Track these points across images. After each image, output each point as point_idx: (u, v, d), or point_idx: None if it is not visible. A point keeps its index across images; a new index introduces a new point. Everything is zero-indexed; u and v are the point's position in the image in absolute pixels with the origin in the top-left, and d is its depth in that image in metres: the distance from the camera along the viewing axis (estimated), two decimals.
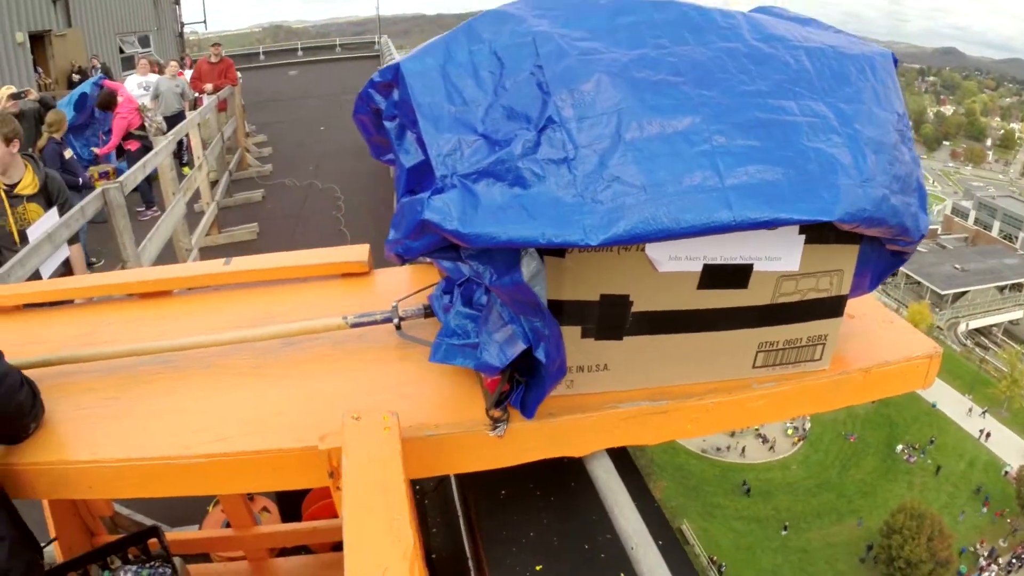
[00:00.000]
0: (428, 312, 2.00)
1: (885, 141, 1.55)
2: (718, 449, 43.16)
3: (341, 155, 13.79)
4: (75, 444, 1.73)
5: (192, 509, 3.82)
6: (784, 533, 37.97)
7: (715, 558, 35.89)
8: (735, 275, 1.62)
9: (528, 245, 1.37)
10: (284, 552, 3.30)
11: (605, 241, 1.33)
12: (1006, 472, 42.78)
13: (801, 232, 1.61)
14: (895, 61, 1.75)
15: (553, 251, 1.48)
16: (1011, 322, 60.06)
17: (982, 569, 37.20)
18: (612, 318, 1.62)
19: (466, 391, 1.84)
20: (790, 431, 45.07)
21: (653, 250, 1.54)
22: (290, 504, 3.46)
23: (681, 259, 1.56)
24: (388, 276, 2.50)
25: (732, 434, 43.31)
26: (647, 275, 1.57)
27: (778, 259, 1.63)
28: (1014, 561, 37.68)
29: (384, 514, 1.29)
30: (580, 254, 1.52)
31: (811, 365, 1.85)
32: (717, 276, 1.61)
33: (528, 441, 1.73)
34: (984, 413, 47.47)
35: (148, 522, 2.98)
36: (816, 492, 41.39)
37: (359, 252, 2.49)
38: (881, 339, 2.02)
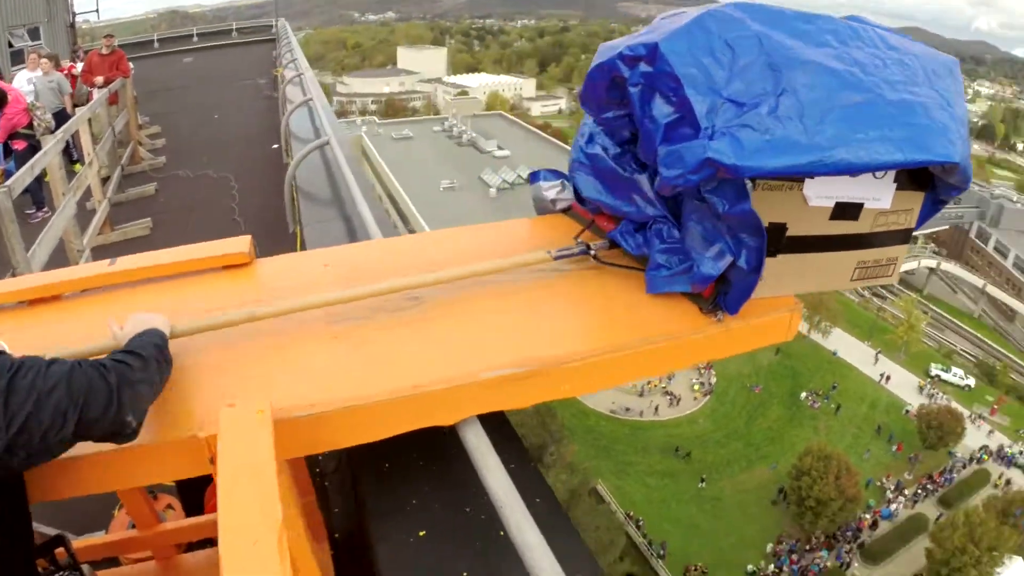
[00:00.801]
0: (613, 244, 2.56)
1: (964, 118, 2.16)
2: (627, 409, 43.59)
3: (235, 143, 13.49)
4: None
5: (97, 515, 3.77)
6: (702, 485, 39.11)
7: (632, 514, 36.61)
8: (853, 210, 2.23)
9: (787, 172, 1.95)
10: (191, 547, 3.29)
11: (829, 169, 1.92)
12: (907, 411, 45.11)
13: (894, 181, 2.24)
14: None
15: None
16: (907, 272, 62.70)
17: (890, 501, 38.85)
18: (773, 240, 2.15)
19: (333, 370, 1.95)
20: (695, 387, 46.11)
21: (808, 188, 2.14)
22: (193, 497, 3.45)
23: (824, 197, 2.16)
24: (269, 265, 2.61)
25: (641, 394, 44.13)
26: (800, 208, 2.16)
27: (879, 200, 2.25)
28: (919, 492, 39.65)
29: (255, 492, 1.39)
30: (762, 192, 2.10)
31: (885, 280, 2.48)
32: (843, 210, 2.22)
33: (395, 414, 1.85)
34: (878, 354, 50.04)
35: (52, 532, 2.93)
36: (724, 443, 42.49)
37: (240, 243, 2.57)
38: None
